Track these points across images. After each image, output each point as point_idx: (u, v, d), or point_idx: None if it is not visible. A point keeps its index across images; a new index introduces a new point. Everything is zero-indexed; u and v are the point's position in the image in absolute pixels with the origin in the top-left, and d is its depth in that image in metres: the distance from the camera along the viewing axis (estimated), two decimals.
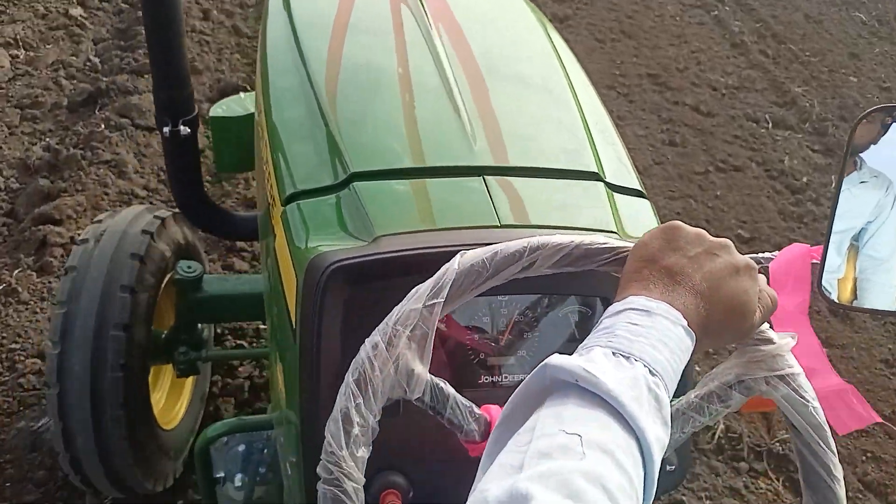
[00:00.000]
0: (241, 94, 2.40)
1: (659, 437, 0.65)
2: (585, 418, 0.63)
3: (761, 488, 2.53)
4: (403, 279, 0.89)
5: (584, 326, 1.15)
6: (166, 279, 2.09)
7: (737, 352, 0.88)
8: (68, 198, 3.14)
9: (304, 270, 1.06)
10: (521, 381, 0.71)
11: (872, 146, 0.93)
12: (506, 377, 1.13)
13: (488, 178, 1.25)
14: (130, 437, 1.93)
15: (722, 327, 0.78)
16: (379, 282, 1.03)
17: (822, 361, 1.15)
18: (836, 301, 0.96)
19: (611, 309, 0.75)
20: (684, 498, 2.45)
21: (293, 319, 1.12)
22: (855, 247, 0.95)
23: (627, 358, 0.68)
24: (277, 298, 1.26)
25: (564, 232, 0.87)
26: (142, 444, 1.98)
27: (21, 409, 2.43)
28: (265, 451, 1.49)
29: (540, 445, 0.60)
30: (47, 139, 3.56)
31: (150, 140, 3.56)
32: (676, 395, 0.84)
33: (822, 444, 0.86)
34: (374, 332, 0.82)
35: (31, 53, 4.12)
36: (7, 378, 2.52)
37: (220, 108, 2.25)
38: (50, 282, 2.84)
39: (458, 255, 0.83)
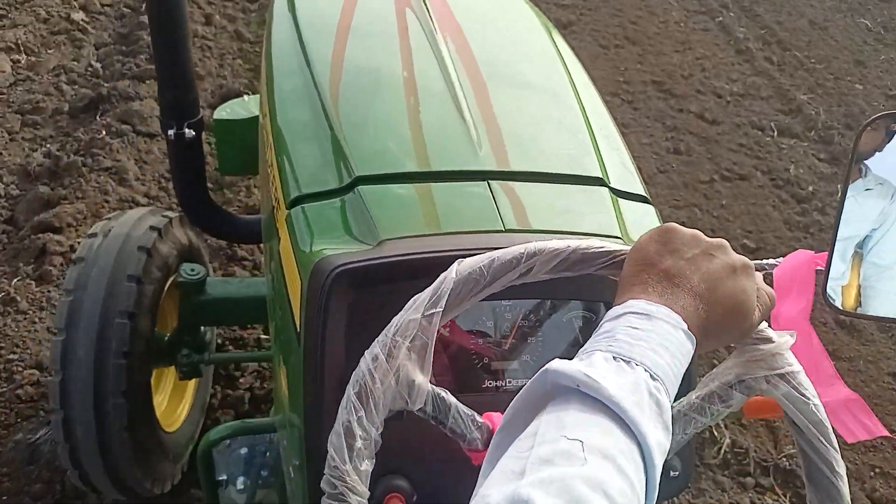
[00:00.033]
0: (245, 97, 2.40)
1: (660, 441, 0.65)
2: (587, 424, 0.63)
3: None
4: (408, 283, 0.90)
5: (588, 331, 1.14)
6: (170, 281, 2.10)
7: (736, 351, 0.89)
8: (68, 205, 3.11)
9: (309, 274, 1.06)
10: (525, 385, 0.71)
11: (877, 153, 0.93)
12: (509, 382, 1.13)
13: (493, 182, 1.25)
14: (131, 433, 1.93)
15: (722, 328, 0.78)
16: (383, 285, 1.03)
17: (826, 368, 1.15)
18: (841, 308, 0.96)
19: (611, 312, 0.75)
20: None
21: (297, 322, 1.12)
22: (859, 254, 0.95)
23: (628, 362, 0.68)
24: (281, 301, 1.26)
25: (566, 237, 0.87)
26: (143, 443, 1.98)
27: (19, 421, 2.40)
28: (268, 454, 1.48)
29: (541, 451, 0.61)
30: (48, 145, 3.54)
31: (151, 147, 3.54)
32: (680, 396, 0.86)
33: (823, 440, 0.86)
34: (373, 344, 0.81)
35: (33, 58, 4.10)
36: (4, 389, 2.49)
37: (224, 111, 2.26)
38: (49, 291, 2.82)
39: (455, 264, 0.83)
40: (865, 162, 0.93)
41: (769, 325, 0.87)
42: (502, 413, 0.74)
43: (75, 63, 4.11)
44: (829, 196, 3.89)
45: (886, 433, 1.17)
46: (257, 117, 1.98)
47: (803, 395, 0.86)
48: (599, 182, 1.32)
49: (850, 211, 0.94)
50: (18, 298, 2.76)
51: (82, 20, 4.44)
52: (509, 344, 1.13)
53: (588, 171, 1.34)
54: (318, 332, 1.03)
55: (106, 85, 3.84)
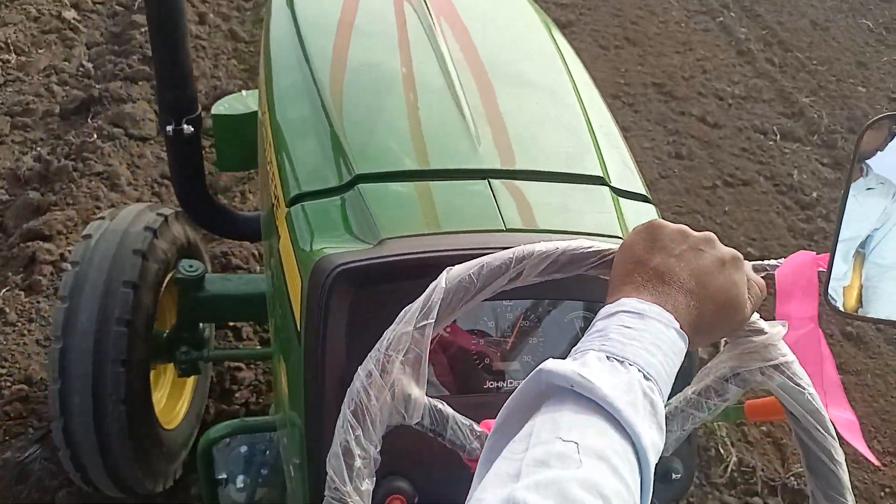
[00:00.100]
0: (243, 92, 2.39)
1: (654, 442, 0.65)
2: (582, 424, 0.63)
3: None
4: (409, 282, 0.90)
5: None
6: (168, 277, 2.09)
7: (729, 344, 0.89)
8: (58, 212, 3.03)
9: (310, 272, 1.06)
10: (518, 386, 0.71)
11: (879, 153, 0.93)
12: (510, 382, 1.13)
13: (493, 181, 1.25)
14: (131, 430, 1.92)
15: (714, 324, 0.78)
16: (384, 285, 1.04)
17: (831, 375, 1.12)
18: (842, 309, 0.95)
19: (603, 311, 0.75)
20: None
21: (297, 321, 1.12)
22: (861, 254, 0.95)
23: (622, 362, 0.68)
24: (281, 299, 1.26)
25: (566, 236, 0.87)
26: (142, 441, 1.98)
27: (7, 438, 2.32)
28: (267, 452, 1.49)
29: (536, 453, 0.60)
30: (38, 149, 3.43)
31: (143, 150, 3.46)
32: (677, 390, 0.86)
33: (820, 429, 0.87)
34: (366, 360, 0.81)
35: (23, 58, 4.01)
36: None
37: (222, 106, 2.25)
38: (38, 301, 2.73)
39: (444, 272, 0.83)
40: (867, 161, 0.93)
41: (761, 317, 0.87)
42: None
43: (66, 63, 4.02)
44: (833, 202, 3.84)
45: (875, 462, 1.14)
46: (256, 113, 1.99)
47: (798, 384, 0.86)
48: (600, 181, 1.32)
49: (852, 211, 0.94)
50: (7, 310, 2.67)
51: (74, 19, 4.34)
52: (510, 344, 1.13)
53: (588, 169, 1.35)
54: (318, 331, 1.03)
55: (98, 86, 3.75)
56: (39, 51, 4.09)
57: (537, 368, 0.68)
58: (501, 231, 1.15)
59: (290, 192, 1.29)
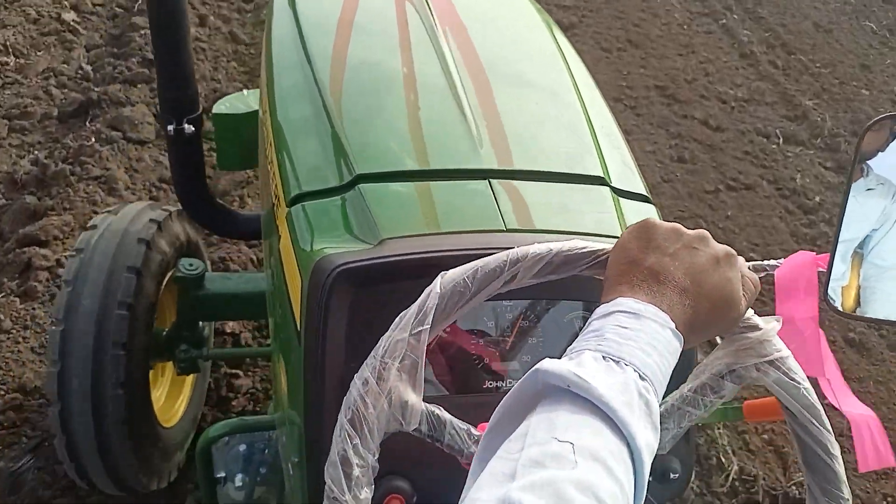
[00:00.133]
0: (245, 91, 2.40)
1: (649, 442, 0.65)
2: (578, 425, 0.63)
3: None
4: (409, 282, 0.90)
5: None
6: (168, 275, 2.11)
7: (724, 341, 0.89)
8: (55, 217, 3.01)
9: (310, 272, 1.06)
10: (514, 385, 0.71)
11: (880, 153, 0.93)
12: (510, 382, 1.13)
13: (493, 181, 1.25)
14: (129, 425, 1.93)
15: (709, 322, 0.78)
16: (385, 285, 1.04)
17: (834, 374, 1.13)
18: (841, 309, 0.95)
19: (599, 310, 0.75)
20: None
21: (297, 321, 1.13)
22: (860, 254, 0.95)
23: (617, 362, 0.69)
24: (281, 299, 1.27)
25: (567, 236, 0.87)
26: (141, 439, 1.99)
27: (0, 448, 2.29)
28: (266, 451, 1.50)
29: (532, 453, 0.60)
30: (35, 152, 3.42)
31: (142, 154, 3.44)
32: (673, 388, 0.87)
33: (816, 423, 0.87)
34: (362, 368, 0.81)
35: (22, 60, 3.99)
36: None
37: (223, 105, 2.26)
38: (34, 308, 2.70)
39: (438, 277, 0.83)
40: (868, 162, 0.93)
41: (755, 313, 0.87)
42: None
43: (65, 66, 3.99)
44: (836, 207, 3.79)
45: (894, 464, 1.13)
46: (256, 112, 1.99)
47: (793, 379, 0.87)
48: (600, 181, 1.32)
49: (852, 212, 0.94)
50: (2, 317, 2.65)
51: (73, 20, 4.32)
52: (509, 344, 1.13)
53: (589, 169, 1.35)
54: (318, 330, 1.03)
55: (96, 89, 3.73)
56: (38, 53, 4.07)
57: (533, 368, 0.68)
58: (502, 231, 1.15)
59: (290, 191, 1.30)
